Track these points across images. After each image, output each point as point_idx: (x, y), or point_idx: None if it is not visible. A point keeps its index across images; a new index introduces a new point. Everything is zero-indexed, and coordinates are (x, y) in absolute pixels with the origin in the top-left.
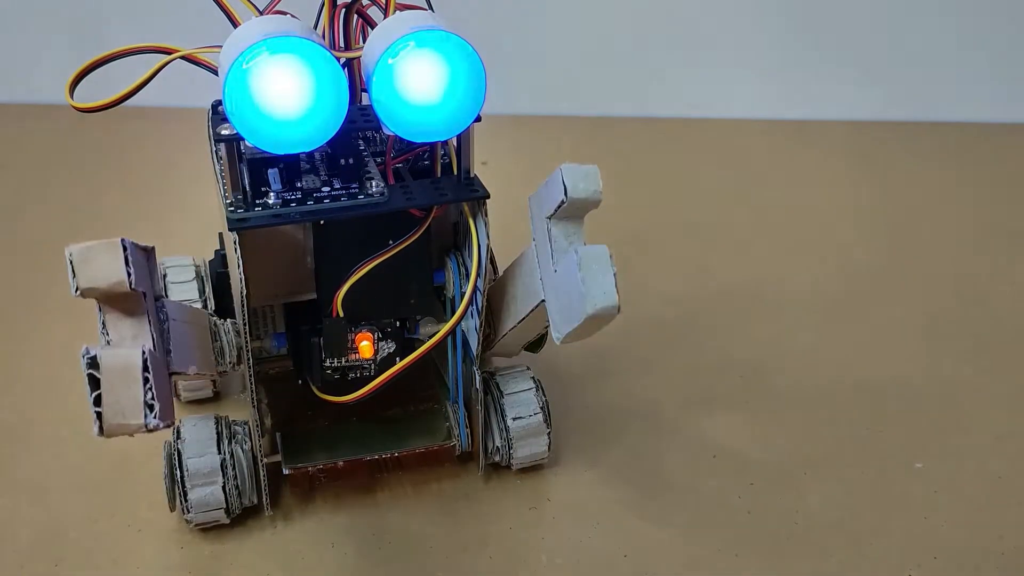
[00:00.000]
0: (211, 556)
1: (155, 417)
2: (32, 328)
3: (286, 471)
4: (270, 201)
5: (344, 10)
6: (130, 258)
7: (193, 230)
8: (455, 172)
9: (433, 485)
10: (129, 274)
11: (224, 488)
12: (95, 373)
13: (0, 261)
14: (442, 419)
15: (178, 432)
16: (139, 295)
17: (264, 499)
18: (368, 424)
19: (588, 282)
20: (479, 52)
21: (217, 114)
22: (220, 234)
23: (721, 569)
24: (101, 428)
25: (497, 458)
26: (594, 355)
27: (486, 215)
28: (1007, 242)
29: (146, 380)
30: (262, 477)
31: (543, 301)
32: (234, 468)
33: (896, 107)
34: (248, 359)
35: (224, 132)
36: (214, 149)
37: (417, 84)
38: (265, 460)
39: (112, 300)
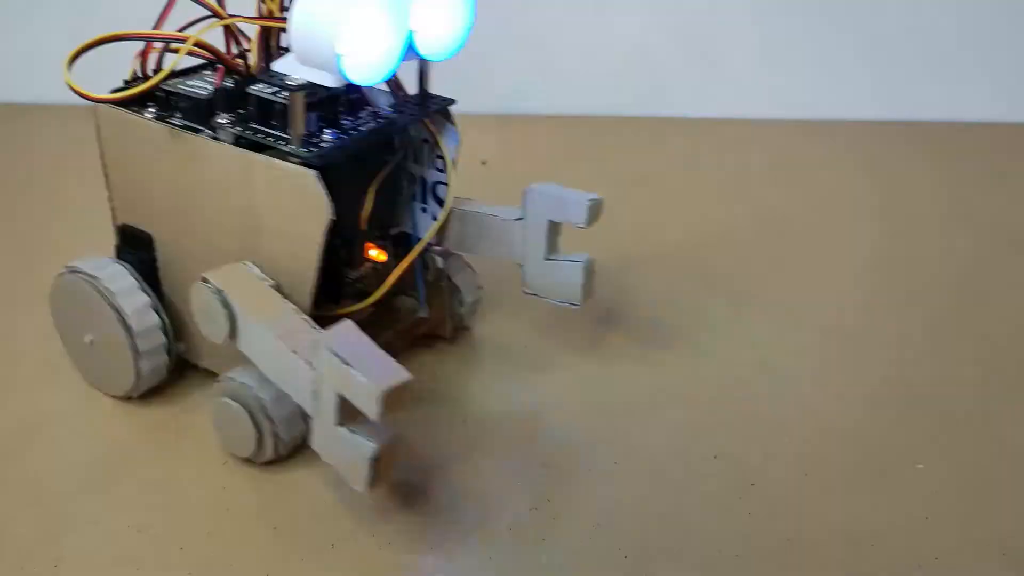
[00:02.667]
0: (211, 557)
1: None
2: (33, 326)
3: None
4: (326, 139)
5: None
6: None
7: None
8: (421, 99)
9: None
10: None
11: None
12: (375, 458)
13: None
14: (399, 308)
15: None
16: None
17: None
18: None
19: (585, 285)
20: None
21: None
22: (120, 227)
23: (722, 570)
24: (371, 487)
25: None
26: (601, 351)
27: (452, 121)
28: (1008, 242)
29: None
30: None
31: (520, 265)
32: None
33: (897, 107)
34: (311, 300)
35: (292, 84)
36: None
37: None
38: None
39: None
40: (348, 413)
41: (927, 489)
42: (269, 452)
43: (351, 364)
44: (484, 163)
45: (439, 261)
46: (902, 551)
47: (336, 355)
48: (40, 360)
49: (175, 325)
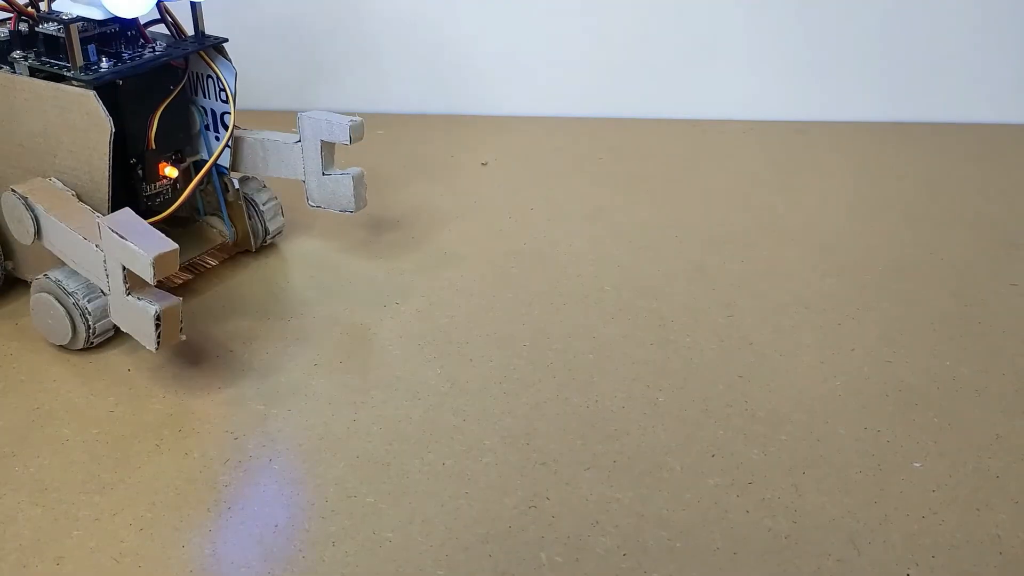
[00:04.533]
0: (211, 555)
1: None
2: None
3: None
4: (103, 66)
5: None
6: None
7: None
8: (196, 33)
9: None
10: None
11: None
12: (159, 321)
13: None
14: (206, 229)
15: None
16: None
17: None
18: None
19: (357, 194)
20: (481, 53)
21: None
22: None
23: (720, 568)
24: (159, 345)
25: (258, 239)
26: (601, 351)
27: (228, 57)
28: (1007, 242)
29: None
30: None
31: (303, 181)
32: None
33: (896, 107)
34: (109, 205)
35: (65, 17)
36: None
37: None
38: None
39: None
40: (134, 282)
41: (924, 488)
42: (82, 339)
43: (127, 238)
44: (484, 164)
45: (235, 183)
46: (899, 549)
47: (115, 232)
48: (42, 358)
49: (4, 246)
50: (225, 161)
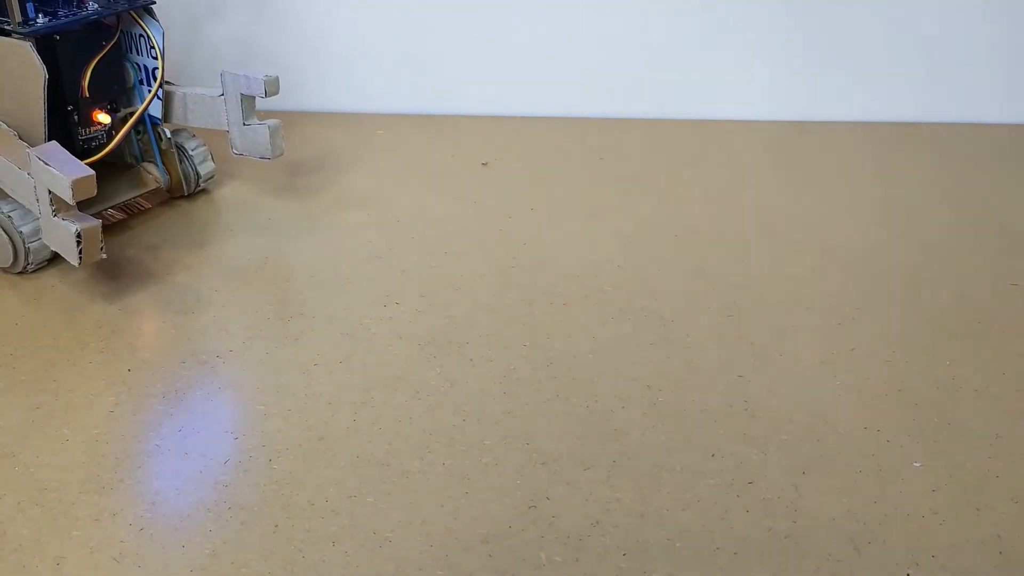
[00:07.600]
0: (211, 554)
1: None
2: (32, 327)
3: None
4: (40, 21)
5: None
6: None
7: None
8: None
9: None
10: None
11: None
12: (79, 238)
13: None
14: (143, 175)
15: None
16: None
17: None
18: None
19: (273, 142)
20: (482, 53)
21: None
22: None
23: (720, 568)
24: (81, 261)
25: (190, 184)
26: (601, 351)
27: (156, 18)
28: (1006, 242)
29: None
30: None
31: (227, 132)
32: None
33: (896, 107)
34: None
35: None
36: None
37: None
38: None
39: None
40: (59, 204)
41: (925, 487)
42: (22, 261)
43: (50, 164)
44: (485, 164)
45: (168, 132)
46: (899, 549)
47: (40, 159)
48: (43, 359)
49: None
50: (157, 112)
